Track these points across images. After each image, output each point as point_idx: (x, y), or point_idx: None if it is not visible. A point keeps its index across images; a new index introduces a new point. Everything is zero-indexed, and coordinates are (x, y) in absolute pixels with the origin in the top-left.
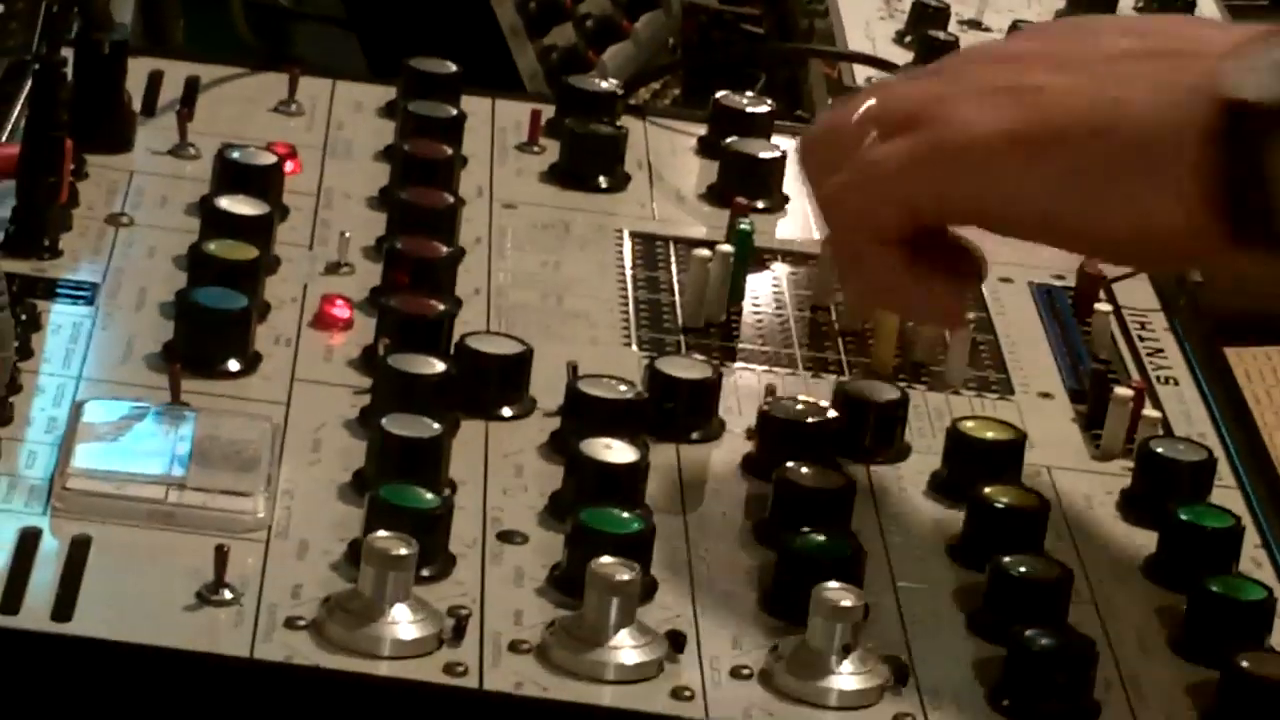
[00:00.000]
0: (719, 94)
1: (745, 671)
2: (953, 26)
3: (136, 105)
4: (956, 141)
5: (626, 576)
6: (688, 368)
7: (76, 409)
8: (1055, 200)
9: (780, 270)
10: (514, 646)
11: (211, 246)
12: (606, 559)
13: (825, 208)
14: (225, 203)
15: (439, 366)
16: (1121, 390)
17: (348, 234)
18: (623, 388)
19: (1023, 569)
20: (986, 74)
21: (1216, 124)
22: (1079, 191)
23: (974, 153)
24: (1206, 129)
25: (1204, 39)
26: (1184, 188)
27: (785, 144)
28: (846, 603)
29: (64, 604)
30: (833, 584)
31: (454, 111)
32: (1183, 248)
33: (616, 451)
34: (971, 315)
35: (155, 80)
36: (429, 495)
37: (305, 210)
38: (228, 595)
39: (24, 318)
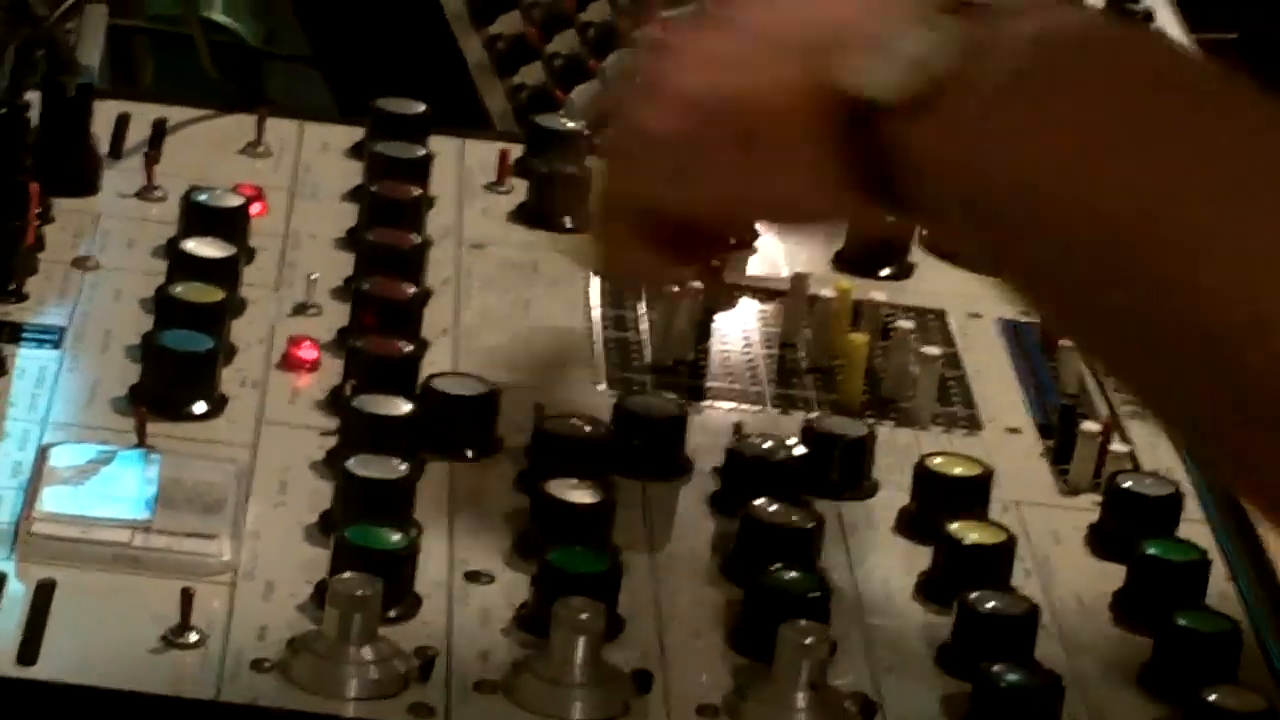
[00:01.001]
0: None
1: (712, 709)
2: None
3: (103, 148)
4: (633, 145)
5: (592, 616)
6: (656, 406)
7: (42, 453)
8: (718, 186)
9: (749, 307)
10: (480, 686)
11: (178, 289)
12: (573, 598)
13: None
14: (192, 245)
15: (406, 407)
16: (1089, 425)
17: (315, 275)
18: (590, 427)
19: (990, 605)
20: (651, 74)
21: (846, 115)
22: (740, 178)
23: (645, 154)
24: (839, 120)
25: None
26: (824, 173)
27: None
28: (812, 639)
29: (29, 648)
30: (799, 621)
31: (421, 152)
32: (839, 213)
33: (583, 491)
34: (938, 351)
35: (122, 123)
36: (395, 536)
37: (272, 252)
38: (193, 638)
39: None
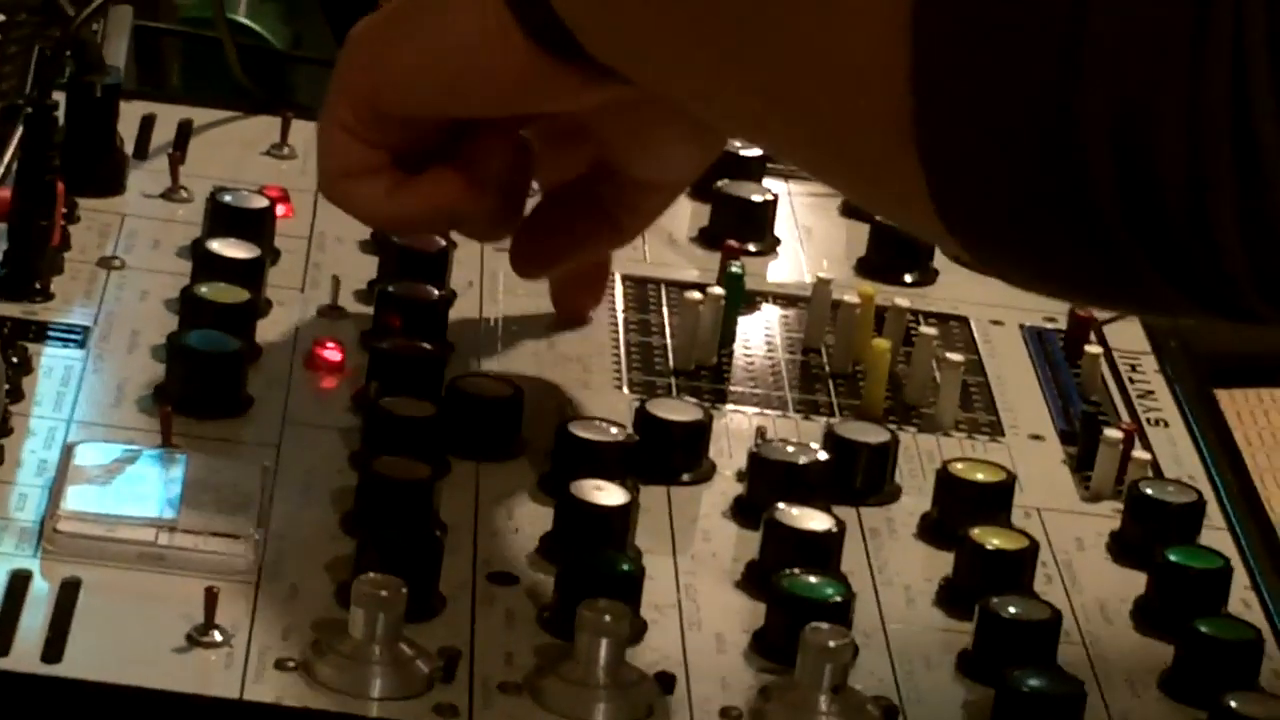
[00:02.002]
0: None
1: (735, 712)
2: None
3: (129, 148)
4: (350, 41)
5: (616, 618)
6: (678, 410)
7: (68, 451)
8: (402, 52)
9: (771, 313)
10: (504, 687)
11: (203, 289)
12: (596, 600)
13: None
14: (217, 246)
15: (430, 409)
16: (1111, 432)
17: (339, 277)
18: (613, 430)
19: (1012, 610)
20: None
21: None
22: (416, 38)
23: (355, 43)
24: None
25: None
26: (492, 21)
27: (777, 187)
28: (835, 644)
29: (54, 645)
30: (821, 624)
31: None
32: (525, 75)
33: (606, 493)
34: (961, 357)
35: (148, 123)
36: (419, 537)
37: (297, 253)
38: (218, 637)
39: (15, 361)
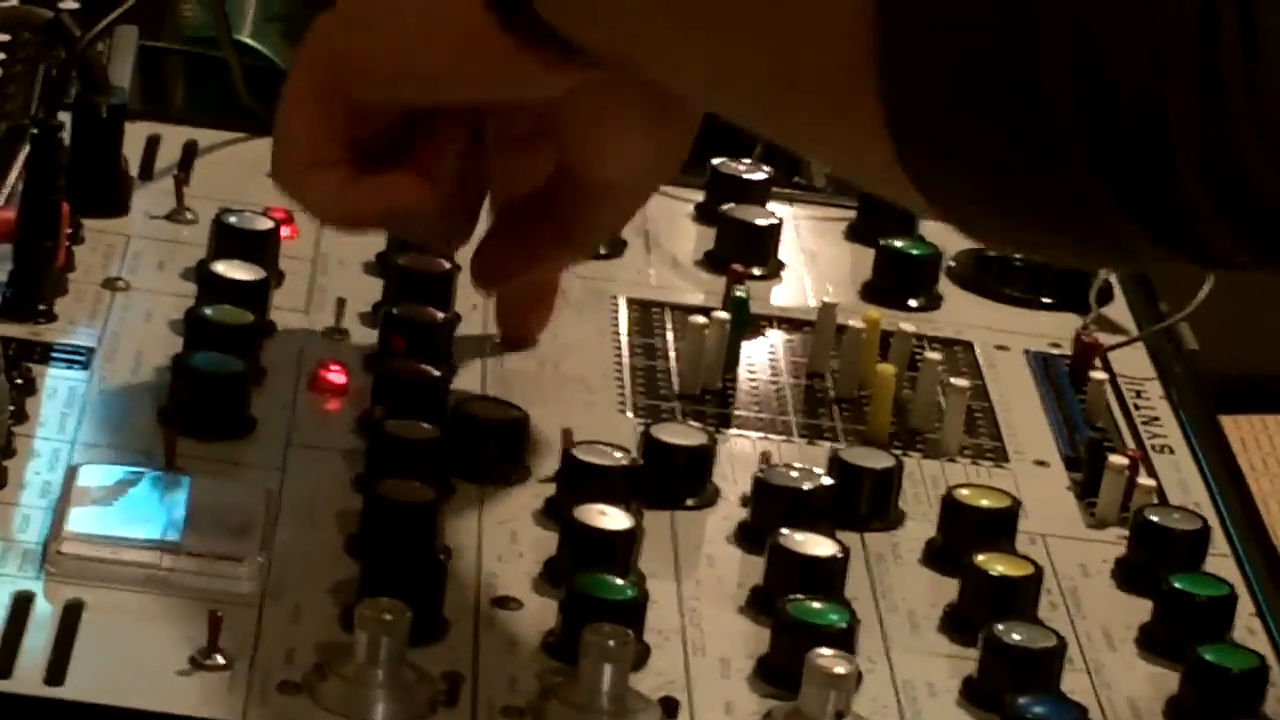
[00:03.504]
0: (716, 160)
1: None
2: None
3: (134, 169)
4: (314, 27)
5: (620, 643)
6: (683, 434)
7: (71, 473)
8: (383, 36)
9: (776, 337)
10: (507, 712)
11: (208, 311)
12: (600, 625)
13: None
14: (222, 268)
15: (434, 432)
16: (1116, 458)
17: (344, 299)
18: (617, 454)
19: (1016, 637)
20: None
21: None
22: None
23: (318, 29)
24: None
25: None
26: (469, 12)
27: (783, 211)
28: (839, 670)
29: (57, 668)
30: (826, 651)
31: None
32: (504, 62)
33: (610, 518)
34: (966, 382)
35: (153, 144)
36: (423, 560)
37: (302, 275)
38: (221, 660)
39: (19, 382)
